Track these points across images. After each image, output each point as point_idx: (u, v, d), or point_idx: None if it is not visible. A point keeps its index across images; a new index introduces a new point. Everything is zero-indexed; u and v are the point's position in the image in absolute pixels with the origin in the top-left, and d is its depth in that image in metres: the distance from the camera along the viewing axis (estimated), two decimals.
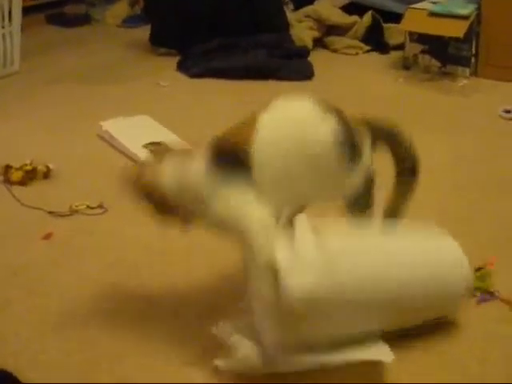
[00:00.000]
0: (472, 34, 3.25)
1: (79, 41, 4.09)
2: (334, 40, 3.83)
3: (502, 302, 1.64)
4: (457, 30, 3.21)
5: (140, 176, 1.49)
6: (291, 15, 3.94)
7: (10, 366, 1.42)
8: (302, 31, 3.76)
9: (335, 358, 1.40)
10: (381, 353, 1.41)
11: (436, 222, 1.95)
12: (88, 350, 1.53)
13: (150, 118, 2.73)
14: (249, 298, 1.43)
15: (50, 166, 2.34)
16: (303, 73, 3.36)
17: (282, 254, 1.37)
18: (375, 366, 1.42)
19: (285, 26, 3.75)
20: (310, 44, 3.73)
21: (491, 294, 1.67)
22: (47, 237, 1.97)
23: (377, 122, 1.56)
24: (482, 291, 1.66)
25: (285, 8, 3.96)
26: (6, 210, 2.16)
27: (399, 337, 1.46)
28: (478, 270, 1.72)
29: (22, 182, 2.28)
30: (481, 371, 1.43)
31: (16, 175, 2.29)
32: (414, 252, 1.51)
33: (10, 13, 3.41)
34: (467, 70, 3.29)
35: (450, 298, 1.53)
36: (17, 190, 2.24)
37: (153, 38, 3.84)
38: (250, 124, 1.46)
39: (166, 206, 1.46)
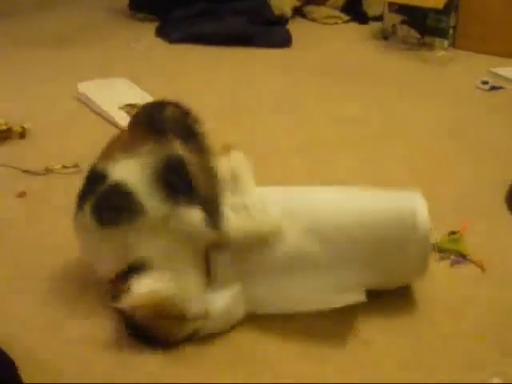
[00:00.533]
0: (451, 5, 3.25)
1: (57, 5, 4.05)
2: (313, 9, 3.83)
3: (474, 265, 1.66)
4: (437, 1, 3.22)
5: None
6: None
7: None
8: (281, 0, 3.75)
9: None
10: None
11: (408, 186, 1.98)
12: (60, 304, 1.52)
13: (127, 79, 2.72)
14: None
15: (26, 127, 2.32)
16: (281, 41, 3.36)
17: None
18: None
19: None
20: (288, 13, 3.73)
21: (464, 256, 1.68)
22: (21, 195, 1.95)
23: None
24: (456, 254, 1.68)
25: None
26: None
27: (374, 298, 1.48)
28: (452, 233, 1.74)
29: None
30: (454, 329, 1.45)
31: None
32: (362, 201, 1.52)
33: None
34: (446, 42, 3.29)
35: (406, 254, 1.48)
36: None
37: (132, 2, 3.81)
38: None
39: None
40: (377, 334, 1.43)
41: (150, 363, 1.35)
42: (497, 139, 2.36)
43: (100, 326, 1.44)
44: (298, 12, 3.86)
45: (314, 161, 2.19)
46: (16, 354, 1.30)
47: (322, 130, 2.44)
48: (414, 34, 3.35)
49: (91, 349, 1.39)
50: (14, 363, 1.27)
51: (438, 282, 1.59)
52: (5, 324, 1.44)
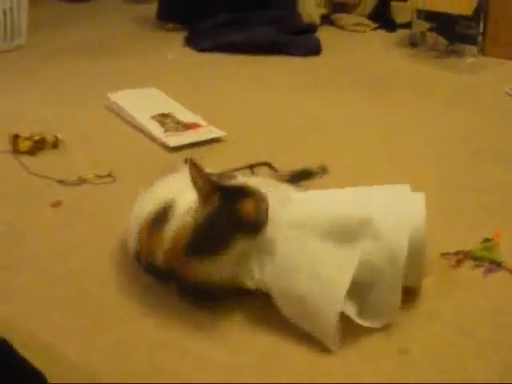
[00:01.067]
0: (480, 11, 3.24)
1: (85, 16, 4.09)
2: (342, 17, 3.84)
3: (508, 273, 1.65)
4: (465, 7, 3.21)
5: None
6: None
7: (18, 324, 1.45)
8: (309, 7, 3.76)
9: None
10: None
11: (438, 191, 1.98)
12: (91, 313, 1.53)
13: (157, 89, 2.74)
14: None
15: (59, 136, 2.34)
16: (311, 48, 3.37)
17: None
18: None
19: (293, 1, 3.74)
20: (317, 20, 3.74)
21: (498, 264, 1.67)
22: (56, 204, 1.97)
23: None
24: (489, 262, 1.67)
25: None
26: (15, 178, 2.15)
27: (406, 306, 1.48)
28: (485, 241, 1.73)
29: (31, 152, 2.28)
30: (490, 337, 1.44)
31: (24, 145, 2.28)
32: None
33: None
34: (475, 48, 3.28)
35: None
36: (25, 159, 2.24)
37: (160, 12, 3.84)
38: None
39: None
40: (411, 343, 1.43)
41: (185, 369, 1.36)
42: None
43: (134, 333, 1.46)
44: (326, 20, 3.87)
45: (340, 164, 2.19)
46: (53, 360, 1.32)
47: (348, 133, 2.45)
48: (442, 40, 3.34)
49: (126, 355, 1.40)
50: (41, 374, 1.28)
51: (471, 290, 1.59)
52: (42, 331, 1.46)
